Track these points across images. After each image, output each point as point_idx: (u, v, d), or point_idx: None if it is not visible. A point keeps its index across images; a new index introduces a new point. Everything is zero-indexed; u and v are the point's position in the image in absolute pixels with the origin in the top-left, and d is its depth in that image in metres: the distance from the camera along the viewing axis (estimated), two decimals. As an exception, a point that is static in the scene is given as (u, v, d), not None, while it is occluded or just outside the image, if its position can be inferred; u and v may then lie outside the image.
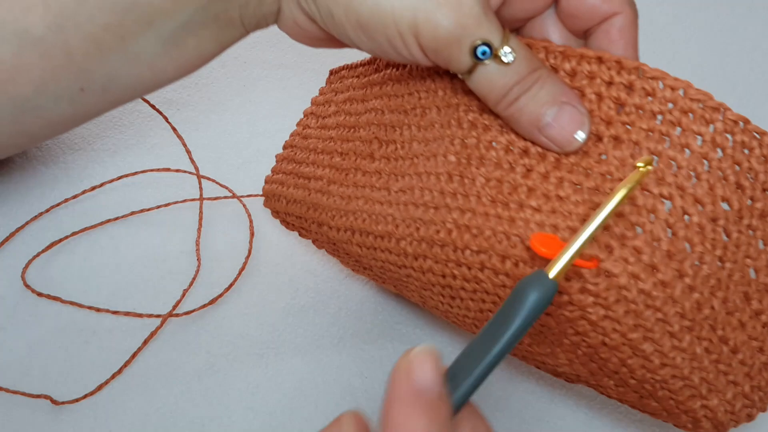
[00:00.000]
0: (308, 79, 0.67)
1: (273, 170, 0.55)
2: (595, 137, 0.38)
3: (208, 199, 0.62)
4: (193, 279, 0.57)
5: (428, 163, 0.42)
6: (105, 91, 0.39)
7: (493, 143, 0.40)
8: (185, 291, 0.56)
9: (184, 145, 0.63)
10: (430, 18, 0.34)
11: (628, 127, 0.37)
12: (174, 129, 0.63)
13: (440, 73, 0.43)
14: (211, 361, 0.53)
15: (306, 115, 0.55)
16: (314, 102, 0.55)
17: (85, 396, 0.50)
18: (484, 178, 0.39)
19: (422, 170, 0.42)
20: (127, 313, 0.55)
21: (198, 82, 0.68)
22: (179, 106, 0.66)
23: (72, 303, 0.55)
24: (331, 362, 0.52)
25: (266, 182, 0.55)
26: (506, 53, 0.36)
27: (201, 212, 0.61)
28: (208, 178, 0.63)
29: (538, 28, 0.41)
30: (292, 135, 0.55)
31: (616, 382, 0.41)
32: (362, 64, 0.51)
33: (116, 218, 0.61)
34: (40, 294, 0.56)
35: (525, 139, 0.39)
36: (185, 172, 0.63)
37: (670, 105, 0.37)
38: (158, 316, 0.54)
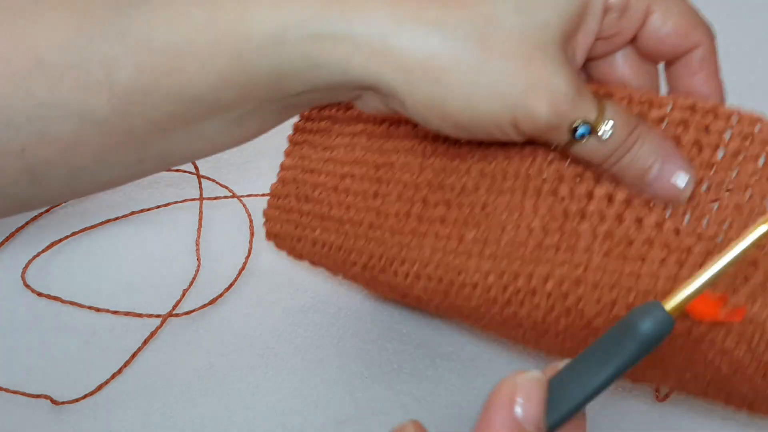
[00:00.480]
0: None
1: (274, 205, 0.52)
2: (701, 184, 0.37)
3: (208, 199, 0.62)
4: (193, 279, 0.57)
5: (510, 216, 0.41)
6: (162, 161, 0.39)
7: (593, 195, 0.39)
8: (185, 291, 0.56)
9: (184, 145, 0.63)
10: (528, 113, 0.35)
11: (732, 172, 0.37)
12: (174, 129, 0.63)
13: None
14: (211, 361, 0.52)
15: (295, 144, 0.53)
16: (301, 130, 0.52)
17: (85, 396, 0.50)
18: (590, 234, 0.38)
19: (504, 222, 0.41)
20: (127, 313, 0.55)
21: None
22: (179, 106, 0.66)
23: (72, 303, 0.55)
24: (331, 362, 0.52)
25: (269, 219, 0.52)
26: (605, 131, 0.36)
27: (201, 212, 0.61)
28: (208, 178, 0.63)
29: (609, 62, 0.40)
30: (286, 168, 0.52)
31: (727, 394, 0.41)
32: None
33: (116, 218, 0.61)
34: (40, 294, 0.56)
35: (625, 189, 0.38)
36: (185, 171, 0.63)
37: None
38: (158, 316, 0.54)
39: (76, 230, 0.59)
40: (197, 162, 0.62)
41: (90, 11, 0.36)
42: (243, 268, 0.57)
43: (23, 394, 0.50)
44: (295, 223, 0.51)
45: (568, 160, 0.40)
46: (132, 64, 0.35)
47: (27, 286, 0.56)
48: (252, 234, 0.59)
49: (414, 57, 0.34)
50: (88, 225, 0.60)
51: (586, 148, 0.36)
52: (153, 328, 0.54)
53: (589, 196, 0.39)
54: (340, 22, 0.34)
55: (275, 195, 0.52)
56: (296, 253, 0.52)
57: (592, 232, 0.39)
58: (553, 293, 0.39)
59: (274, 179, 0.53)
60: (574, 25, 0.36)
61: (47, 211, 0.60)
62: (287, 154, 0.53)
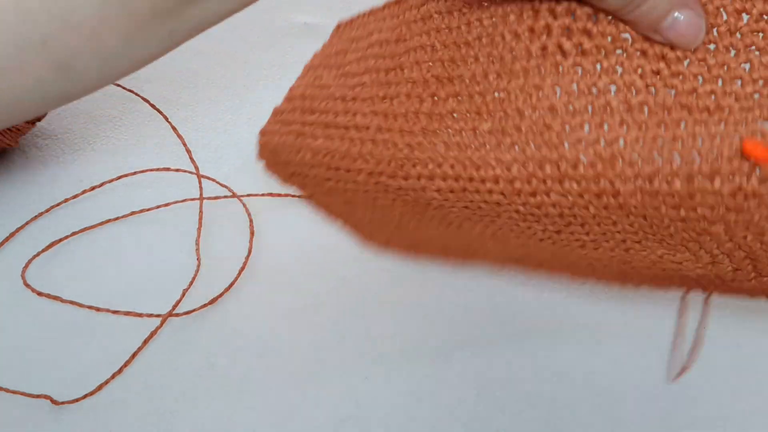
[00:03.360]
0: (308, 79, 0.67)
1: (276, 121, 0.49)
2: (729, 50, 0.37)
3: (208, 198, 0.62)
4: (193, 279, 0.57)
5: (527, 100, 0.39)
6: (195, 27, 0.38)
7: (617, 68, 0.37)
8: (185, 291, 0.56)
9: (184, 144, 0.63)
10: None
11: (760, 34, 0.36)
12: (174, 129, 0.63)
13: None
14: (211, 361, 0.53)
15: (308, 69, 0.50)
16: (319, 56, 0.50)
17: (85, 396, 0.50)
18: (624, 106, 0.37)
19: (521, 107, 0.39)
20: (127, 313, 0.55)
21: (198, 82, 0.68)
22: (179, 106, 0.66)
23: (72, 302, 0.55)
24: (331, 362, 0.52)
25: (264, 134, 0.50)
26: None
27: (201, 212, 0.61)
28: (208, 178, 0.63)
29: None
30: (295, 88, 0.50)
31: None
32: (387, 6, 0.47)
33: (116, 218, 0.61)
34: (40, 293, 0.56)
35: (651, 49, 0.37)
36: (185, 171, 0.63)
37: None
38: (158, 315, 0.54)
39: (76, 230, 0.59)
40: (197, 162, 0.62)
41: None
42: (243, 268, 0.58)
43: (23, 394, 0.50)
44: (297, 133, 0.48)
45: (589, 25, 0.38)
46: None
47: (27, 285, 0.56)
48: (252, 234, 0.59)
49: None
50: (88, 225, 0.60)
51: None
52: (153, 328, 0.54)
53: (615, 69, 0.38)
54: None
55: (278, 112, 0.50)
56: (292, 171, 0.49)
57: (626, 104, 0.37)
58: (585, 176, 0.38)
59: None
60: None
61: (47, 211, 0.60)
62: (300, 78, 0.50)
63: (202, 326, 0.55)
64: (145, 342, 0.53)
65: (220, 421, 0.49)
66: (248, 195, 0.61)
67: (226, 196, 0.62)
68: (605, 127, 0.38)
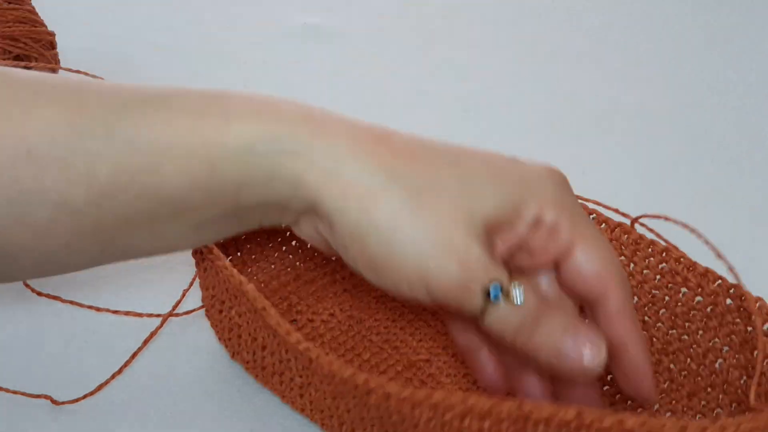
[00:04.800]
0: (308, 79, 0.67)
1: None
2: None
3: (208, 198, 0.62)
4: (193, 279, 0.57)
5: None
6: (122, 254, 0.42)
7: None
8: (185, 291, 0.56)
9: (184, 144, 0.63)
10: (440, 265, 0.37)
11: None
12: (174, 129, 0.63)
13: None
14: (211, 361, 0.53)
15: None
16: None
17: (85, 396, 0.50)
18: None
19: None
20: (127, 313, 0.55)
21: (198, 82, 0.68)
22: (179, 106, 0.66)
23: (72, 302, 0.55)
24: (331, 362, 0.52)
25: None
26: (517, 295, 0.38)
27: (201, 212, 0.61)
28: (208, 178, 0.63)
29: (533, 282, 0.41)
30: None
31: None
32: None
33: (116, 218, 0.61)
34: (40, 293, 0.56)
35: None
36: (185, 171, 0.63)
37: None
38: (158, 315, 0.54)
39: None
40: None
41: (83, 110, 0.38)
42: (243, 268, 0.57)
43: (23, 394, 0.50)
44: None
45: None
46: (113, 161, 0.38)
47: (27, 285, 0.56)
48: (252, 234, 0.59)
49: (355, 187, 0.37)
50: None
51: (499, 315, 0.38)
52: (153, 328, 0.54)
53: None
54: (304, 142, 0.37)
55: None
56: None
57: None
58: None
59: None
60: (504, 219, 0.39)
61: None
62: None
63: (202, 326, 0.54)
64: (145, 342, 0.53)
65: (221, 420, 0.49)
66: (248, 195, 0.61)
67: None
68: None
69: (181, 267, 0.58)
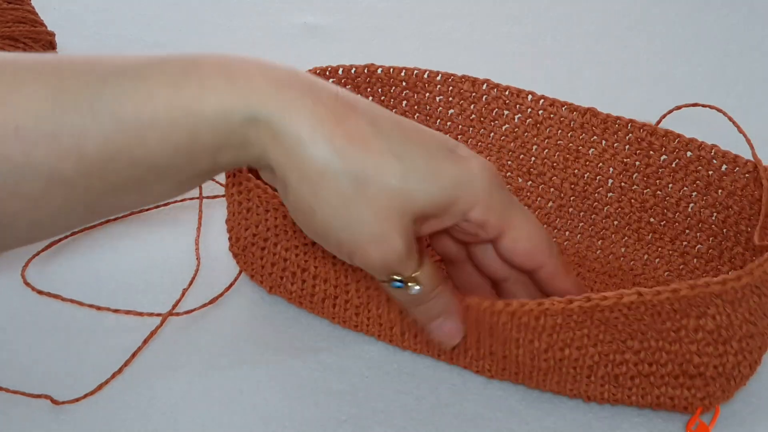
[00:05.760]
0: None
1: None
2: None
3: (208, 198, 0.62)
4: (193, 278, 0.57)
5: None
6: (111, 212, 0.45)
7: None
8: (185, 290, 0.56)
9: (184, 144, 0.63)
10: (365, 255, 0.43)
11: None
12: (174, 128, 0.63)
13: None
14: (211, 361, 0.53)
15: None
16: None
17: (85, 396, 0.50)
18: None
19: None
20: (127, 312, 0.55)
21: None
22: (179, 106, 0.66)
23: (72, 301, 0.55)
24: (331, 362, 0.52)
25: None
26: (413, 288, 0.45)
27: (200, 211, 0.61)
28: (208, 178, 0.63)
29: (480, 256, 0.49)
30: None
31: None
32: None
33: (116, 218, 0.61)
34: (40, 292, 0.56)
35: None
36: (185, 171, 0.63)
37: None
38: (158, 315, 0.54)
39: (76, 230, 0.59)
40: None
41: (64, 86, 0.40)
42: (243, 267, 0.57)
43: (23, 394, 0.50)
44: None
45: None
46: (101, 135, 0.40)
47: (27, 284, 0.56)
48: (252, 234, 0.59)
49: (310, 163, 0.41)
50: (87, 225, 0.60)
51: (396, 292, 0.45)
52: (153, 328, 0.54)
53: None
54: (275, 114, 0.41)
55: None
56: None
57: None
58: None
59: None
60: (435, 212, 0.44)
61: (47, 210, 0.60)
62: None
63: (202, 326, 0.55)
64: (145, 342, 0.53)
65: (220, 421, 0.49)
66: (248, 195, 0.61)
67: (225, 196, 0.62)
68: None
69: (182, 267, 0.58)
